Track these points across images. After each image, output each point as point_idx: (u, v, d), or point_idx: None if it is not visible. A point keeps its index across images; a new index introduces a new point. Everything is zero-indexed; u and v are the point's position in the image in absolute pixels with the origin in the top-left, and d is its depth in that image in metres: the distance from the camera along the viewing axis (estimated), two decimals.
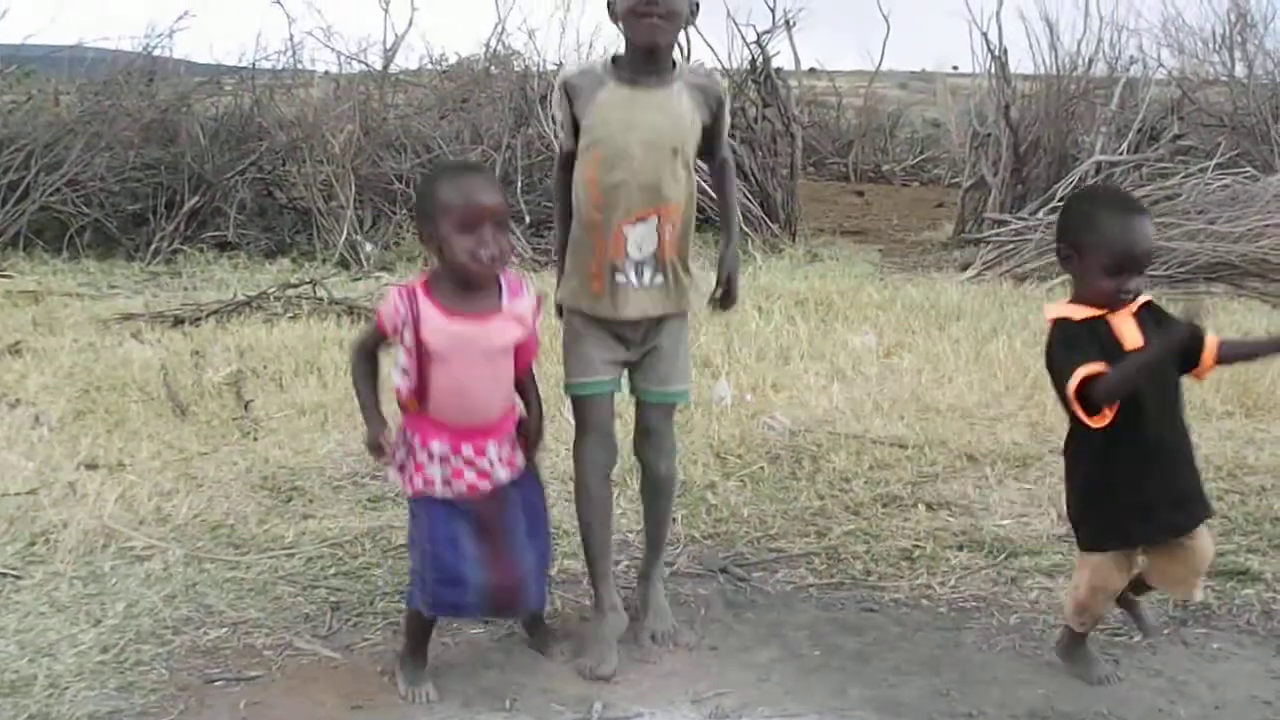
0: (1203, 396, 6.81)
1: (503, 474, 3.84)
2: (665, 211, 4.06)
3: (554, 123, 4.23)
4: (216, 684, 4.05)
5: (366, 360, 3.90)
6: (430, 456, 3.79)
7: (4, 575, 4.77)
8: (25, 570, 4.82)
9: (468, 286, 3.73)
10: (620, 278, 4.08)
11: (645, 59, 4.05)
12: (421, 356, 3.74)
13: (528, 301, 3.83)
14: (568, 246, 4.23)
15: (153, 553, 4.97)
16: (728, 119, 4.24)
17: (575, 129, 4.12)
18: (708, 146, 4.21)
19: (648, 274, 4.10)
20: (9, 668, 4.10)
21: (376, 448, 3.82)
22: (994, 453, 6.10)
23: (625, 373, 4.26)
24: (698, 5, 4.11)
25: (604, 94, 4.06)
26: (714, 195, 4.60)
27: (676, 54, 4.17)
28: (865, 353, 7.93)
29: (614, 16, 4.05)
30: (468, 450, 3.78)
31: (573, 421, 4.31)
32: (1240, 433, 6.49)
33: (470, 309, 3.73)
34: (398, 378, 3.81)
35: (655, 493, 4.41)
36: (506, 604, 3.98)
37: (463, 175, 3.84)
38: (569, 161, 4.18)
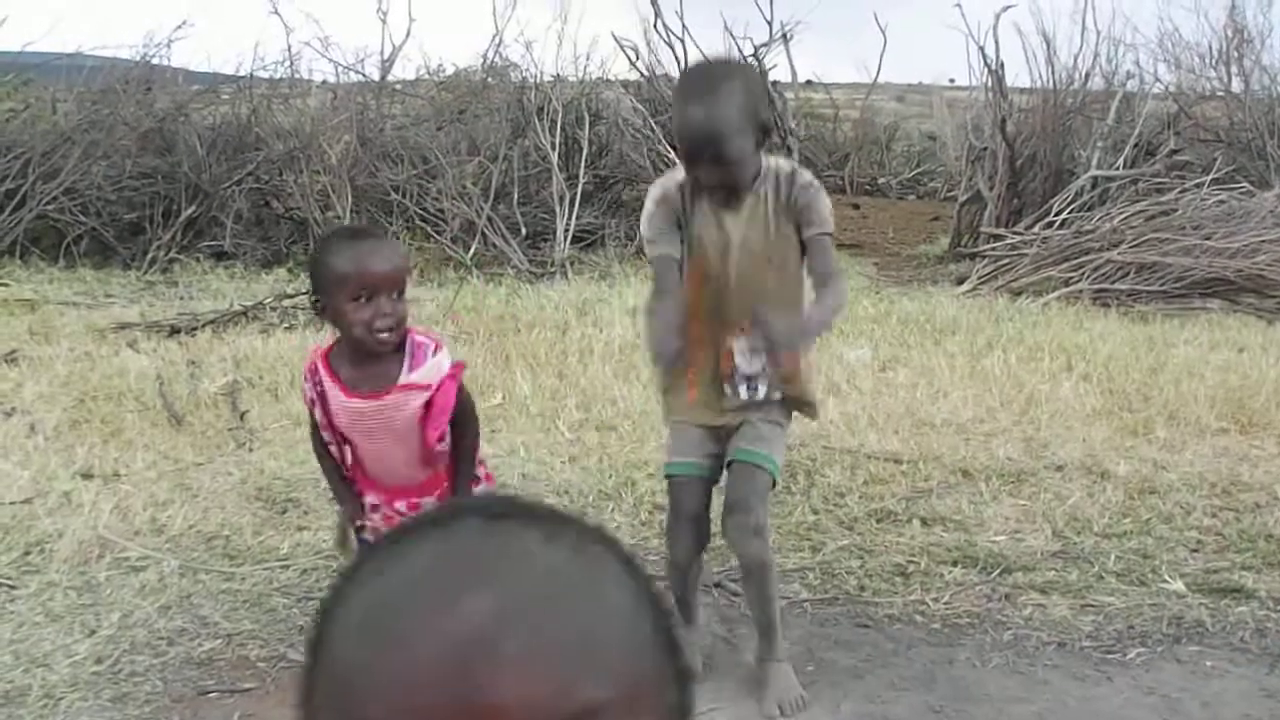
0: (1197, 413, 6.83)
1: None
2: None
3: (648, 232, 4.00)
4: (211, 696, 4.07)
5: (325, 457, 3.86)
6: (365, 505, 3.82)
7: None
8: (20, 580, 4.83)
9: (367, 358, 3.61)
10: (728, 389, 3.95)
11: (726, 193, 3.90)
12: (335, 430, 3.72)
13: (432, 368, 3.66)
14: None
15: (148, 563, 4.98)
16: (815, 205, 3.90)
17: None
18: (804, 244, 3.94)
19: (761, 389, 3.94)
20: (4, 678, 4.11)
21: (348, 521, 3.85)
22: (989, 468, 6.11)
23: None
24: (766, 127, 3.84)
25: (698, 208, 3.90)
26: None
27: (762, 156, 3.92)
28: (860, 367, 7.94)
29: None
30: (400, 505, 3.78)
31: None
32: (1235, 449, 6.51)
33: (367, 385, 3.62)
34: (332, 449, 3.81)
35: (746, 576, 4.14)
36: None
37: (355, 242, 3.62)
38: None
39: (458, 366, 3.74)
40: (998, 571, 5.01)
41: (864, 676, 4.23)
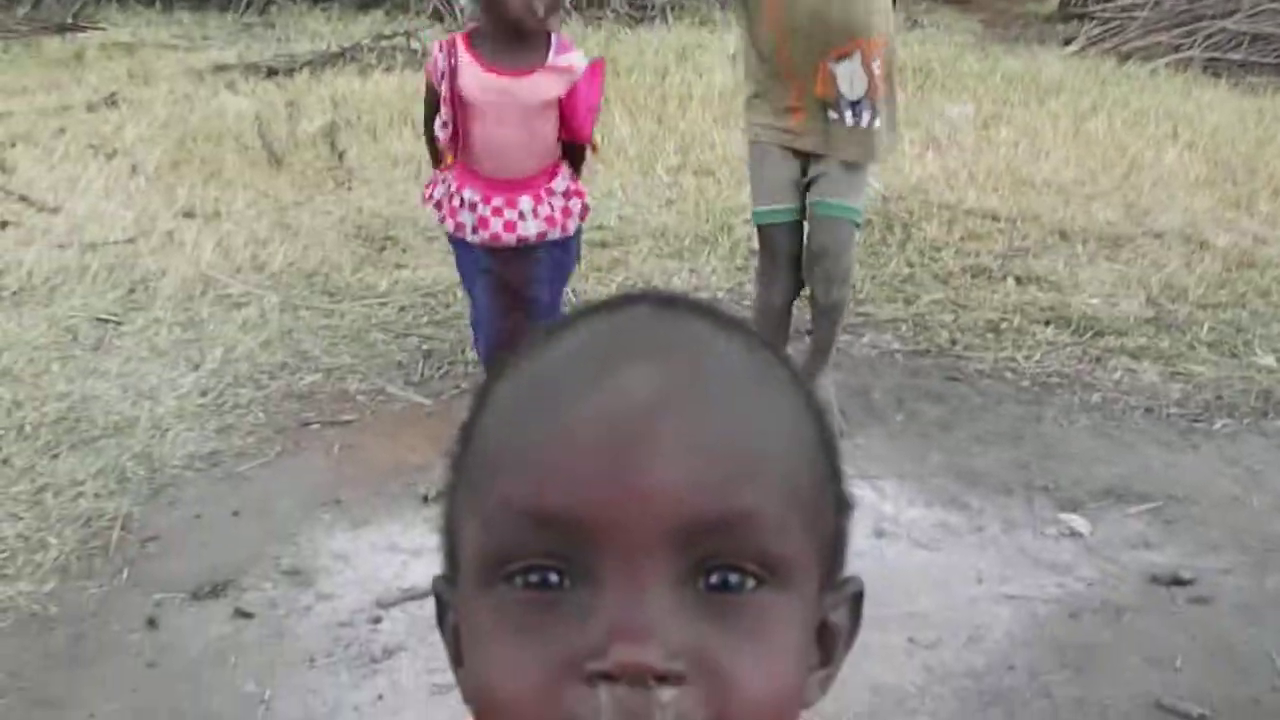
0: None
1: (532, 228, 3.86)
2: (866, 46, 3.88)
3: None
4: (311, 427, 4.18)
5: (433, 117, 3.92)
6: (462, 203, 3.86)
7: (106, 321, 4.90)
8: (126, 316, 4.94)
9: (515, 41, 3.71)
10: (833, 114, 3.92)
11: None
12: (457, 108, 3.76)
13: (576, 59, 3.78)
14: (750, 81, 4.10)
15: (249, 299, 5.07)
16: None
17: None
18: None
19: (866, 116, 3.92)
20: (113, 409, 4.24)
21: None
22: (1087, 230, 6.04)
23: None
24: None
25: None
26: None
27: None
28: (962, 123, 7.81)
29: None
30: (497, 201, 3.83)
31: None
32: None
33: (510, 64, 3.72)
34: (438, 128, 3.86)
35: (821, 316, 4.19)
36: (510, 315, 4.04)
37: None
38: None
39: (600, 61, 3.88)
40: (1090, 334, 5.00)
41: (951, 429, 4.26)
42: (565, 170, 3.96)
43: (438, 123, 3.85)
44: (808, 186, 4.05)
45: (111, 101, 8.03)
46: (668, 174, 6.65)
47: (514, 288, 3.94)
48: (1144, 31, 10.68)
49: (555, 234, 3.93)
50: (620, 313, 0.78)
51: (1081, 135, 7.64)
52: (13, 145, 7.14)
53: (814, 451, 0.77)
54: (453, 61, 3.73)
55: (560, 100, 3.80)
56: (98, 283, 5.24)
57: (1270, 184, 6.88)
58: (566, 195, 3.92)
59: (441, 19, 10.83)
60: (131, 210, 6.05)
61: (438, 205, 3.96)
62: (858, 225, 4.12)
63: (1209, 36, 10.34)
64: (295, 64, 8.95)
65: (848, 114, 3.92)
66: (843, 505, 0.79)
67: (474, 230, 3.88)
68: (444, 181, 3.93)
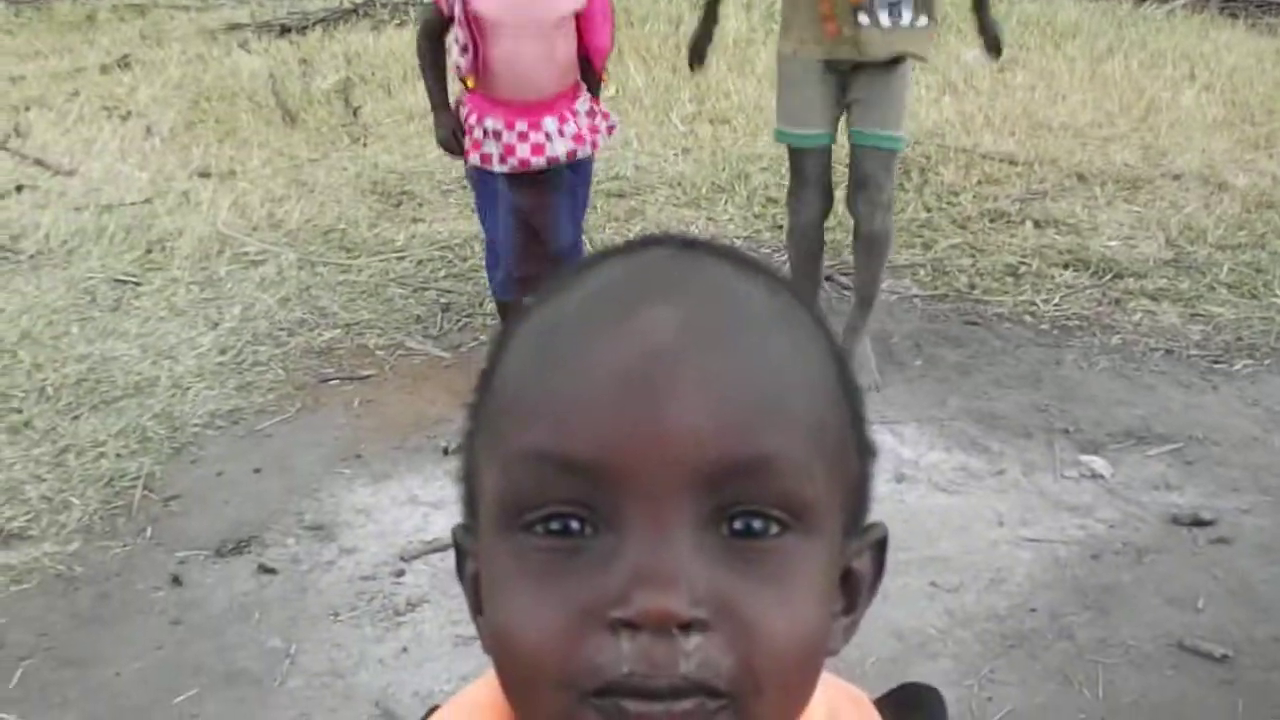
0: None
1: (560, 148, 3.83)
2: None
3: None
4: (331, 383, 4.19)
5: (431, 44, 3.91)
6: (485, 133, 3.83)
7: (124, 282, 4.91)
8: (144, 277, 4.95)
9: None
10: (864, 18, 3.85)
11: None
12: (473, 28, 3.71)
13: None
14: (783, 9, 4.04)
15: (266, 257, 5.08)
16: None
17: None
18: None
19: (906, 14, 3.86)
20: (133, 369, 4.25)
21: (447, 144, 3.91)
22: (1105, 173, 6.00)
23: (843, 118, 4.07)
24: None
25: None
26: None
27: None
28: (978, 67, 7.75)
29: None
30: (521, 125, 3.79)
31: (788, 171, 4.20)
32: None
33: None
34: (457, 54, 3.82)
35: (868, 249, 4.15)
36: (535, 269, 3.99)
37: None
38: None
39: None
40: (1109, 276, 4.98)
41: (971, 373, 4.26)
42: (585, 91, 3.94)
43: (455, 47, 3.81)
44: (848, 107, 4.01)
45: (124, 63, 8.03)
46: (683, 123, 6.63)
47: (535, 226, 3.91)
48: None
49: (585, 151, 3.90)
50: (640, 255, 0.77)
51: (1098, 78, 7.59)
52: (27, 109, 7.15)
53: (837, 395, 0.76)
54: None
55: (577, 14, 3.77)
56: (115, 244, 5.25)
57: None
58: (591, 114, 3.91)
59: None
60: (147, 171, 6.06)
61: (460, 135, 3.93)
62: (898, 152, 4.10)
63: None
64: (308, 21, 8.93)
65: (883, 14, 3.85)
66: (866, 451, 0.78)
67: (501, 160, 3.84)
68: (463, 118, 3.89)
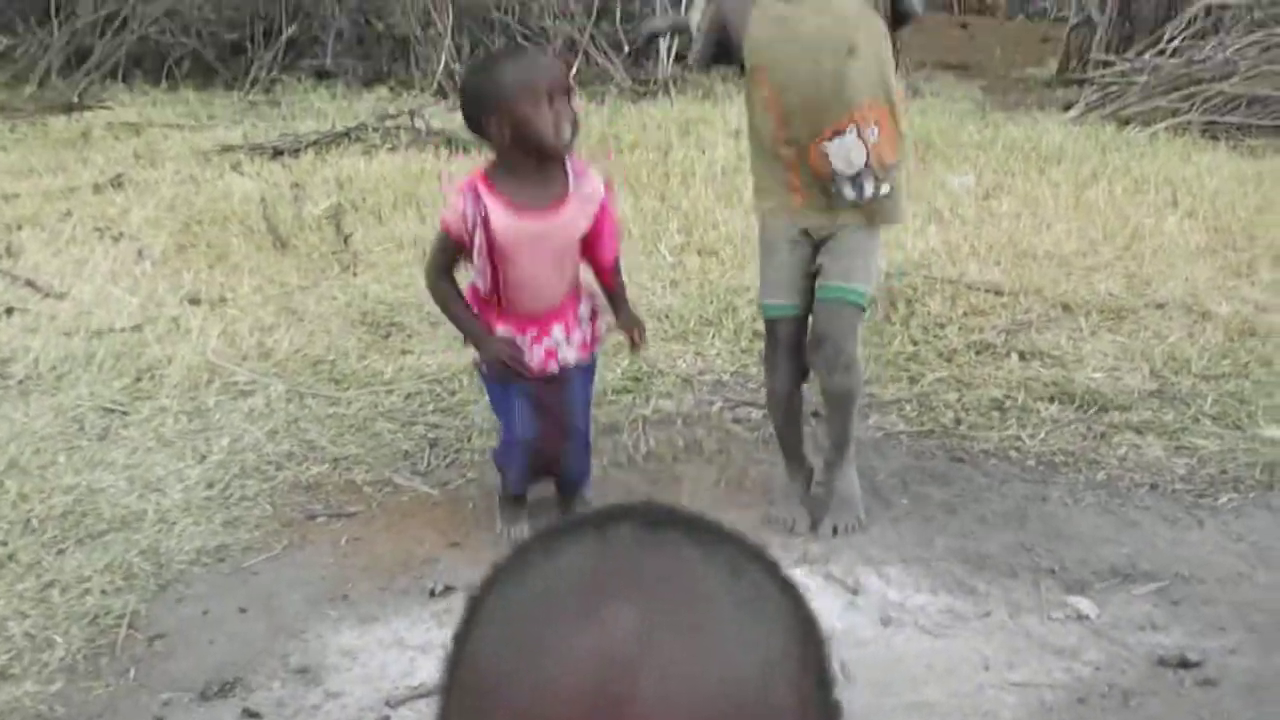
0: None
1: (570, 354, 3.89)
2: (861, 116, 3.82)
3: (694, 31, 3.98)
4: (318, 520, 4.19)
5: (448, 281, 3.91)
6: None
7: (112, 410, 4.92)
8: (132, 406, 4.96)
9: (536, 171, 3.72)
10: (833, 189, 3.88)
11: None
12: (493, 254, 3.75)
13: (595, 183, 3.80)
14: (752, 166, 4.10)
15: (255, 388, 5.09)
16: None
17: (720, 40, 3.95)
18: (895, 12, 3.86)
19: (869, 187, 3.87)
20: (120, 503, 4.25)
21: (509, 356, 3.84)
22: (1089, 303, 6.05)
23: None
24: None
25: (757, 12, 3.84)
26: None
27: None
28: (964, 194, 7.85)
29: None
30: (532, 331, 3.85)
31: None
32: None
33: (536, 202, 3.72)
34: (475, 277, 3.86)
35: (830, 405, 4.15)
36: (550, 452, 4.05)
37: (523, 55, 3.87)
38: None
39: (609, 184, 3.90)
40: (1094, 409, 5.01)
41: (957, 511, 4.27)
42: (585, 293, 3.98)
43: (473, 272, 3.84)
44: (818, 268, 4.02)
45: (118, 183, 8.08)
46: (671, 254, 6.68)
47: (553, 414, 3.94)
48: (1143, 96, 10.73)
49: (586, 360, 3.96)
50: (607, 536, 0.80)
51: (1082, 204, 7.68)
52: (19, 228, 7.19)
53: (800, 673, 0.78)
54: (481, 210, 3.71)
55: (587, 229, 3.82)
56: (104, 371, 5.27)
57: (1270, 250, 6.90)
58: (592, 318, 3.96)
59: (446, 96, 10.91)
60: (138, 296, 6.08)
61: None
62: (862, 309, 4.07)
63: (1207, 100, 10.40)
64: (300, 144, 9.00)
65: (847, 188, 3.87)
66: (832, 714, 0.81)
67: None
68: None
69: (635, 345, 4.10)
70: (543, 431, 3.97)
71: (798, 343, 4.08)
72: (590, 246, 3.86)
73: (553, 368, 3.88)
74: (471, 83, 3.85)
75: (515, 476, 4.13)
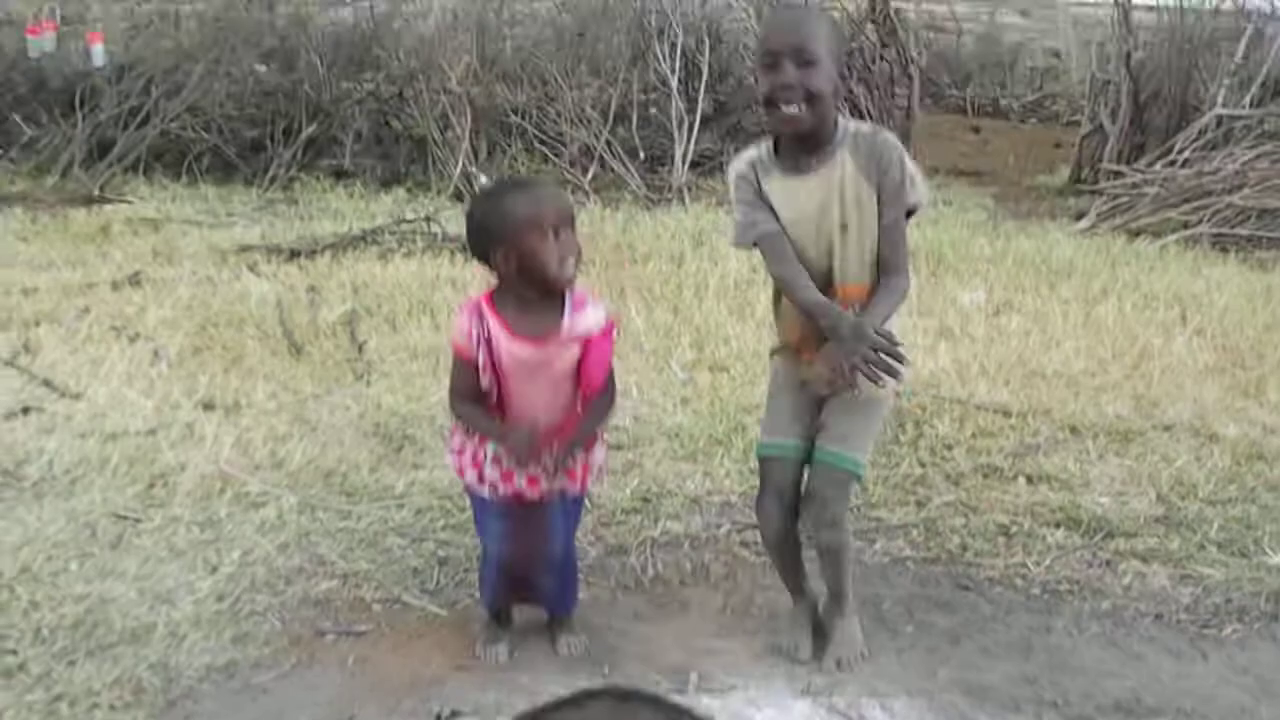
0: None
1: (555, 483, 3.91)
2: (845, 293, 3.87)
3: (737, 213, 4.03)
4: (327, 638, 4.21)
5: (469, 404, 3.93)
6: (486, 456, 3.91)
7: (124, 518, 4.96)
8: (145, 513, 5.00)
9: (538, 299, 3.79)
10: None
11: (799, 145, 3.86)
12: (497, 371, 3.82)
13: (593, 318, 3.83)
14: (773, 308, 4.12)
15: (267, 499, 5.13)
16: (897, 175, 3.84)
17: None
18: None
19: (864, 386, 3.86)
20: (130, 614, 4.28)
21: (535, 451, 3.82)
22: (1097, 425, 6.09)
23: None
24: (843, 76, 3.85)
25: (769, 184, 3.89)
26: None
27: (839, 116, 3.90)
28: (974, 311, 7.90)
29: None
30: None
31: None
32: None
33: (532, 330, 3.78)
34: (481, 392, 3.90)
35: (821, 557, 4.17)
36: (526, 576, 4.08)
37: (529, 187, 3.88)
38: None
39: (611, 324, 3.89)
40: (1100, 535, 5.03)
41: (961, 641, 4.28)
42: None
43: (485, 386, 3.88)
44: (820, 425, 4.05)
45: (135, 280, 8.18)
46: (683, 370, 6.73)
47: (530, 538, 3.98)
48: (1154, 208, 10.83)
49: (574, 490, 4.00)
50: (582, 711, 0.84)
51: (1091, 321, 7.74)
52: (37, 324, 7.28)
53: None
54: (485, 330, 3.78)
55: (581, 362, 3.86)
56: (118, 476, 5.31)
57: (1279, 369, 6.94)
58: (586, 448, 3.96)
59: (462, 198, 11.03)
60: (152, 399, 6.14)
61: (459, 452, 4.00)
62: (857, 477, 4.09)
63: (1217, 212, 10.49)
64: (317, 246, 9.10)
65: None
66: None
67: (493, 486, 3.93)
68: (467, 436, 3.97)
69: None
70: (516, 554, 3.99)
71: (790, 484, 4.08)
72: (578, 374, 3.88)
73: (531, 495, 3.90)
74: (478, 213, 3.90)
75: (488, 595, 4.19)
